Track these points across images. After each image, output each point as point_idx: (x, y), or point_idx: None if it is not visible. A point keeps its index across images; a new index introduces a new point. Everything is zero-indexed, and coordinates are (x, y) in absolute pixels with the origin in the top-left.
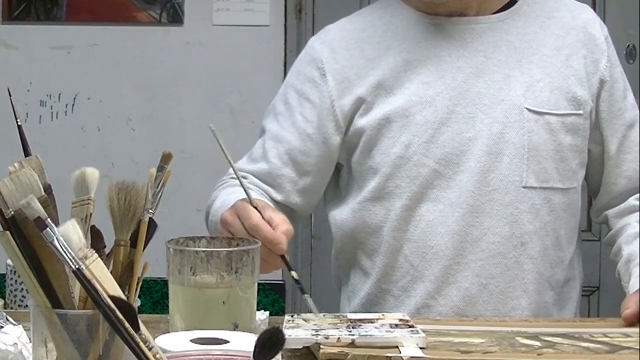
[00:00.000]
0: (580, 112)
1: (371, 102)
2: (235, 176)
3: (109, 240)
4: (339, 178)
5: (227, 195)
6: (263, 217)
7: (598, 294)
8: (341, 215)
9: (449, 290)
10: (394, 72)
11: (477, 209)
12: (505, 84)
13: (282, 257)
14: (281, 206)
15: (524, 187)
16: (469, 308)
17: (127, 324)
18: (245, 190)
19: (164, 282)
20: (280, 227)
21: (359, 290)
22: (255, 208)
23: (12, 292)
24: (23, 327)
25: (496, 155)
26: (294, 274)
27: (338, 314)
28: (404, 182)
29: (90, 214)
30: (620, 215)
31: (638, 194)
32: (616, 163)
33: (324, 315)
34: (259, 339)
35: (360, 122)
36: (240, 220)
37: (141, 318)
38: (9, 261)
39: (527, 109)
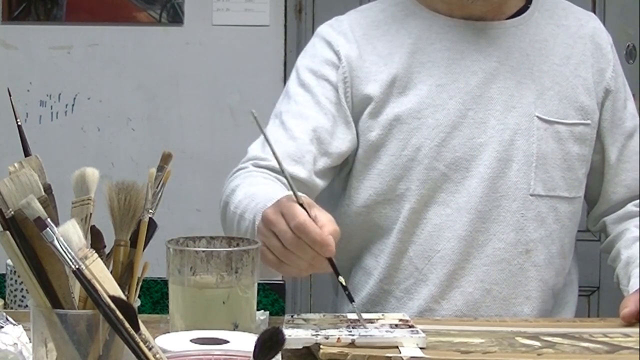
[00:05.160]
0: (588, 121)
1: (382, 101)
2: (255, 163)
3: (109, 240)
4: (337, 177)
5: (251, 187)
6: (309, 216)
7: (598, 294)
8: (347, 215)
9: (453, 295)
10: (407, 72)
11: (484, 215)
12: (517, 90)
13: (330, 260)
14: (300, 185)
15: (531, 195)
16: (471, 313)
17: (127, 324)
18: (291, 187)
19: (164, 282)
20: (327, 228)
21: (360, 290)
22: (301, 206)
23: (12, 292)
24: (23, 327)
25: (506, 162)
26: (341, 279)
27: (338, 314)
28: (414, 184)
29: (90, 214)
30: (619, 221)
31: (635, 201)
32: (615, 172)
33: (324, 315)
34: (259, 339)
35: (369, 121)
36: (285, 220)
37: (141, 318)
38: (9, 261)
39: (537, 117)
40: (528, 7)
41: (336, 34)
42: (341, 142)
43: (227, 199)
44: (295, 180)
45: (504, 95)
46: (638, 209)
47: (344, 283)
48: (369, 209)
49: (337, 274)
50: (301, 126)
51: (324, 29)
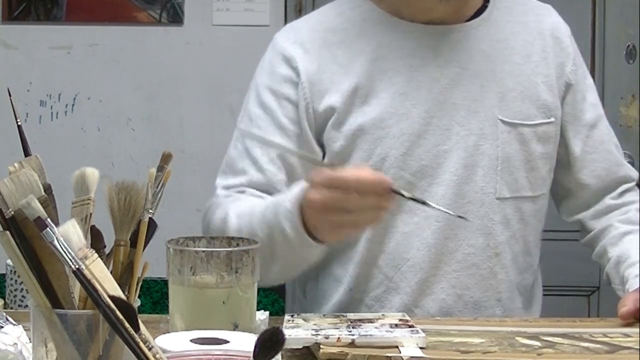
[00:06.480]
0: (552, 119)
1: (344, 112)
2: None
3: (109, 240)
4: None
5: (256, 208)
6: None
7: (598, 294)
8: None
9: (426, 302)
10: (369, 80)
11: (452, 221)
12: (480, 94)
13: (393, 190)
14: None
15: (497, 199)
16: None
17: (127, 324)
18: (297, 154)
19: (164, 282)
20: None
21: (329, 297)
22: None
23: (12, 292)
24: (23, 327)
25: (471, 168)
26: (405, 193)
27: (338, 314)
28: None
29: (90, 214)
30: (597, 216)
31: (612, 194)
32: (583, 164)
33: (324, 315)
34: (259, 339)
35: (333, 132)
36: (331, 189)
37: (141, 318)
38: (9, 261)
39: (500, 120)
40: (487, 6)
41: (294, 47)
42: (320, 161)
43: (234, 226)
44: None
45: (467, 100)
46: (616, 201)
47: (410, 196)
48: None
49: (403, 195)
50: (266, 155)
51: (280, 41)
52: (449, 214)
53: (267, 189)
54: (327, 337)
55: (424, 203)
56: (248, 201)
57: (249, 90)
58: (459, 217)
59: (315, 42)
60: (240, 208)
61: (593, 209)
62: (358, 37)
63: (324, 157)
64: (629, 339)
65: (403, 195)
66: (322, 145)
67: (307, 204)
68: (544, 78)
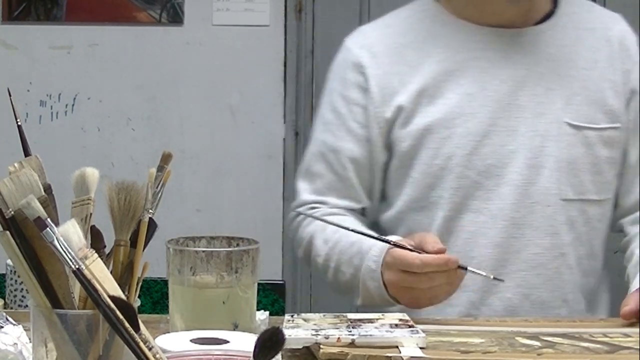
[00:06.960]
0: (617, 125)
1: (411, 111)
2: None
3: (109, 240)
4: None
5: (342, 239)
6: (412, 248)
7: None
8: (384, 222)
9: (492, 301)
10: (436, 81)
11: (518, 221)
12: (546, 97)
13: (459, 267)
14: (356, 213)
15: (562, 200)
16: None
17: (127, 324)
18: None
19: (164, 282)
20: (433, 246)
21: None
22: (398, 246)
23: (12, 292)
24: (23, 327)
25: (537, 168)
26: (470, 268)
27: (338, 314)
28: (447, 192)
29: (90, 214)
30: (635, 221)
31: None
32: (635, 172)
33: (324, 315)
34: (259, 339)
35: (400, 131)
36: (403, 271)
37: (141, 318)
38: (9, 261)
39: (566, 123)
40: (554, 12)
41: (360, 50)
42: (381, 161)
43: (317, 250)
44: (350, 211)
45: (533, 102)
46: None
47: (491, 277)
48: (404, 215)
49: (468, 270)
50: (338, 160)
51: (348, 46)
52: (488, 277)
53: (345, 192)
54: (327, 337)
55: (485, 276)
56: (333, 222)
57: (324, 94)
58: (495, 279)
59: (383, 44)
60: (326, 233)
61: (633, 215)
62: (426, 39)
63: (389, 160)
64: (629, 339)
65: (467, 270)
66: (389, 147)
67: (386, 281)
68: (611, 84)
